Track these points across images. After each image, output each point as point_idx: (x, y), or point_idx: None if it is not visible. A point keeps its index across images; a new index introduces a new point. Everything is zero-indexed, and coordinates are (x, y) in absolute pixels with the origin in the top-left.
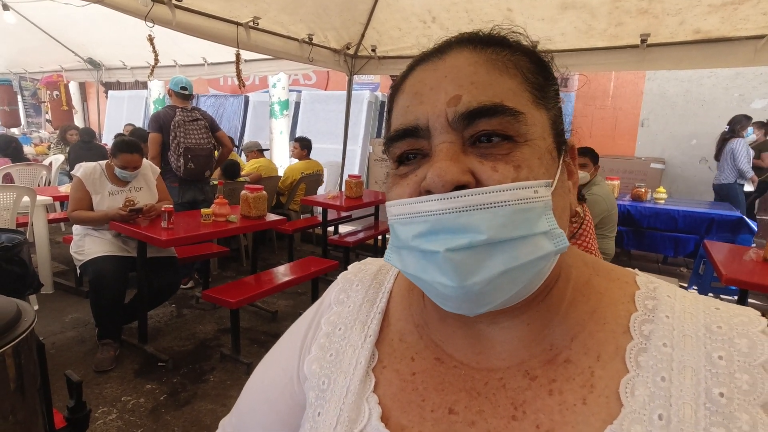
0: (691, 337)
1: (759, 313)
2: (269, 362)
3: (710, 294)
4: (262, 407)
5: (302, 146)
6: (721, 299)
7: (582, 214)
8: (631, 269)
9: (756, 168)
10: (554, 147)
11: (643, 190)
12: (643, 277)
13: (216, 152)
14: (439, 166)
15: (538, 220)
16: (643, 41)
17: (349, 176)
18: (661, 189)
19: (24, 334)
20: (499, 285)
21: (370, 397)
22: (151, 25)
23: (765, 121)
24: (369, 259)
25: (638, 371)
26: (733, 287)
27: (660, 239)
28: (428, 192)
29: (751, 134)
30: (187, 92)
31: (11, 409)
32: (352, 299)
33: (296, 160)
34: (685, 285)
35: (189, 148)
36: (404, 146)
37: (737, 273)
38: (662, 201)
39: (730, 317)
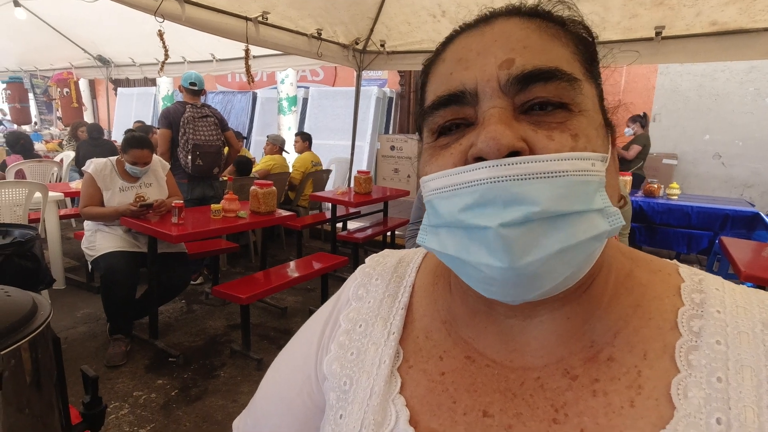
0: (747, 333)
1: None
2: (284, 361)
3: None
4: (278, 408)
5: (303, 139)
6: None
7: (626, 199)
8: (670, 260)
9: (621, 160)
10: (603, 124)
11: (655, 185)
12: (686, 269)
13: (225, 150)
14: (494, 128)
15: (594, 196)
16: (657, 34)
17: (358, 172)
18: (674, 185)
19: (40, 328)
20: (553, 267)
21: (397, 398)
22: (160, 20)
23: (641, 114)
24: (387, 250)
25: (690, 371)
26: (751, 284)
27: (673, 236)
28: (478, 159)
29: (629, 130)
30: (196, 88)
31: (27, 403)
32: (372, 294)
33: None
34: None
35: (198, 144)
36: (447, 114)
37: (757, 269)
38: (675, 197)
39: None
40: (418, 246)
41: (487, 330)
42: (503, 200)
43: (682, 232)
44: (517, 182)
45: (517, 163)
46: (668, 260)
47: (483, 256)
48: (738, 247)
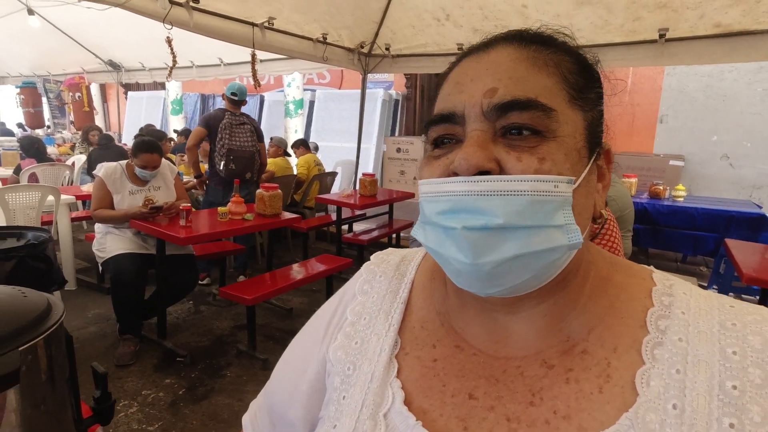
0: (705, 333)
1: None
2: (295, 346)
3: (731, 294)
4: (287, 387)
5: (303, 146)
6: (743, 299)
7: (606, 216)
8: (647, 266)
9: None
10: (585, 147)
11: (661, 187)
12: (659, 275)
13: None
14: (467, 151)
15: (554, 214)
16: (661, 36)
17: (364, 174)
18: (680, 186)
19: (54, 327)
20: (510, 269)
21: (394, 382)
22: (169, 27)
23: None
24: (390, 249)
25: (654, 363)
26: (755, 287)
27: (678, 238)
28: (455, 174)
29: None
30: (236, 98)
31: (42, 397)
32: (376, 290)
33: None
34: (705, 284)
35: (232, 149)
36: (440, 130)
37: (759, 272)
38: (681, 199)
39: (744, 315)
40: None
41: (474, 322)
42: (470, 211)
43: (687, 234)
44: (483, 197)
45: (482, 181)
46: (645, 266)
47: (453, 252)
48: (742, 250)
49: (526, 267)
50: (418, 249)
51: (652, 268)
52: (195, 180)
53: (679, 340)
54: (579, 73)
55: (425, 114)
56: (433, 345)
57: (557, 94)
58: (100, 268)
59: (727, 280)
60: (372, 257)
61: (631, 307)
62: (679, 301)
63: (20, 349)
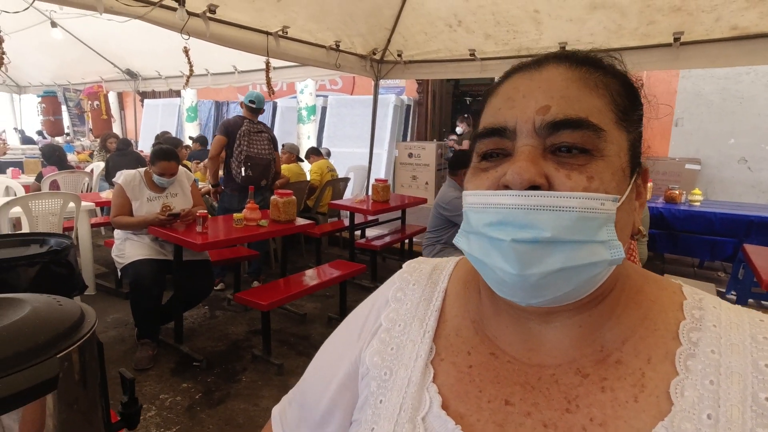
0: (737, 345)
1: None
2: (328, 346)
3: (750, 300)
4: (319, 384)
5: (315, 154)
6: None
7: (644, 232)
8: (674, 281)
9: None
10: (628, 167)
11: (677, 191)
12: (688, 288)
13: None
14: (520, 165)
15: (599, 230)
16: (676, 39)
17: (376, 180)
18: (697, 191)
19: (88, 334)
20: (554, 281)
21: (430, 386)
22: (186, 37)
23: (465, 115)
24: (421, 258)
25: (687, 374)
26: None
27: (696, 243)
28: (505, 187)
29: (459, 129)
30: (255, 106)
31: (76, 401)
32: (409, 297)
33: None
34: (723, 290)
35: (250, 156)
36: (490, 144)
37: None
38: (698, 203)
39: None
40: (438, 254)
41: (509, 330)
42: (519, 223)
43: (705, 239)
44: (533, 211)
45: (533, 196)
46: (674, 281)
47: (499, 262)
48: (762, 255)
49: (569, 280)
50: (449, 258)
51: (680, 282)
52: (211, 188)
53: (711, 352)
54: (625, 95)
55: (437, 119)
56: (467, 352)
57: (606, 115)
58: (119, 274)
59: (746, 286)
60: (404, 266)
61: (663, 319)
62: (710, 315)
63: (58, 356)
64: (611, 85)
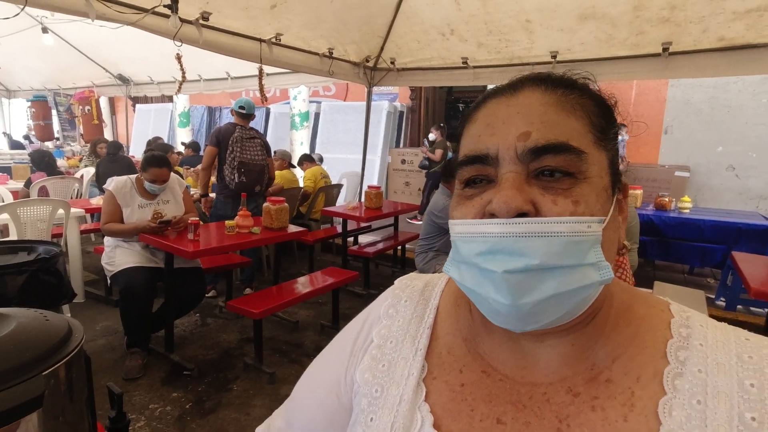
0: (724, 365)
1: None
2: (319, 364)
3: (739, 306)
4: (311, 404)
5: (308, 160)
6: (751, 311)
7: (628, 246)
8: (662, 298)
9: (430, 161)
10: (610, 185)
11: (667, 199)
12: (676, 306)
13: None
14: (506, 194)
15: (587, 252)
16: (665, 50)
17: (369, 187)
18: (686, 198)
19: (75, 350)
20: (547, 307)
21: (422, 405)
22: (179, 44)
23: (441, 124)
24: (413, 274)
25: (675, 394)
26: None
27: (685, 249)
28: (492, 215)
29: (432, 136)
30: (244, 111)
31: (63, 419)
32: (401, 314)
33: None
34: (713, 296)
35: (243, 162)
36: (473, 171)
37: (767, 286)
38: (687, 210)
39: (760, 348)
40: (431, 261)
41: (501, 348)
42: (509, 252)
43: (695, 246)
44: (522, 238)
45: (521, 223)
46: (661, 298)
47: (491, 292)
48: (750, 263)
49: (561, 304)
50: (441, 275)
51: (668, 299)
52: (201, 198)
53: (698, 372)
54: (601, 114)
55: (430, 125)
56: (459, 370)
57: (585, 137)
58: (109, 282)
59: (735, 293)
60: (396, 282)
61: (652, 338)
62: (697, 333)
63: (44, 373)
64: (587, 106)
